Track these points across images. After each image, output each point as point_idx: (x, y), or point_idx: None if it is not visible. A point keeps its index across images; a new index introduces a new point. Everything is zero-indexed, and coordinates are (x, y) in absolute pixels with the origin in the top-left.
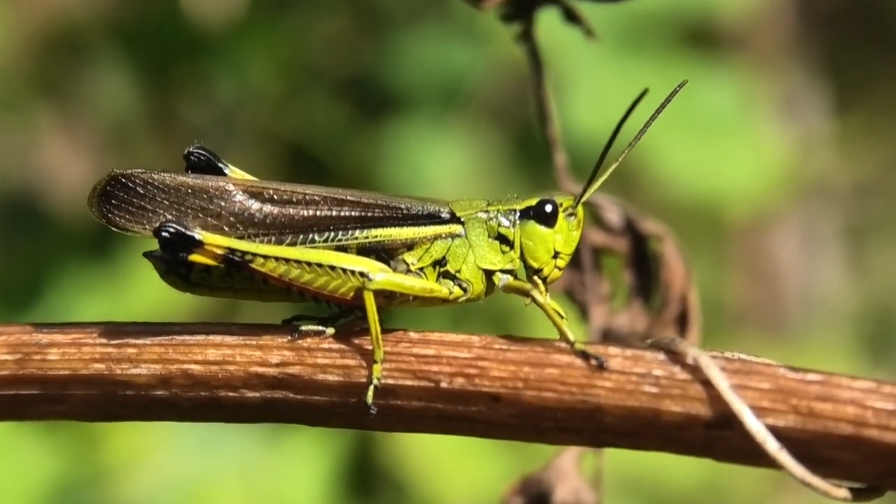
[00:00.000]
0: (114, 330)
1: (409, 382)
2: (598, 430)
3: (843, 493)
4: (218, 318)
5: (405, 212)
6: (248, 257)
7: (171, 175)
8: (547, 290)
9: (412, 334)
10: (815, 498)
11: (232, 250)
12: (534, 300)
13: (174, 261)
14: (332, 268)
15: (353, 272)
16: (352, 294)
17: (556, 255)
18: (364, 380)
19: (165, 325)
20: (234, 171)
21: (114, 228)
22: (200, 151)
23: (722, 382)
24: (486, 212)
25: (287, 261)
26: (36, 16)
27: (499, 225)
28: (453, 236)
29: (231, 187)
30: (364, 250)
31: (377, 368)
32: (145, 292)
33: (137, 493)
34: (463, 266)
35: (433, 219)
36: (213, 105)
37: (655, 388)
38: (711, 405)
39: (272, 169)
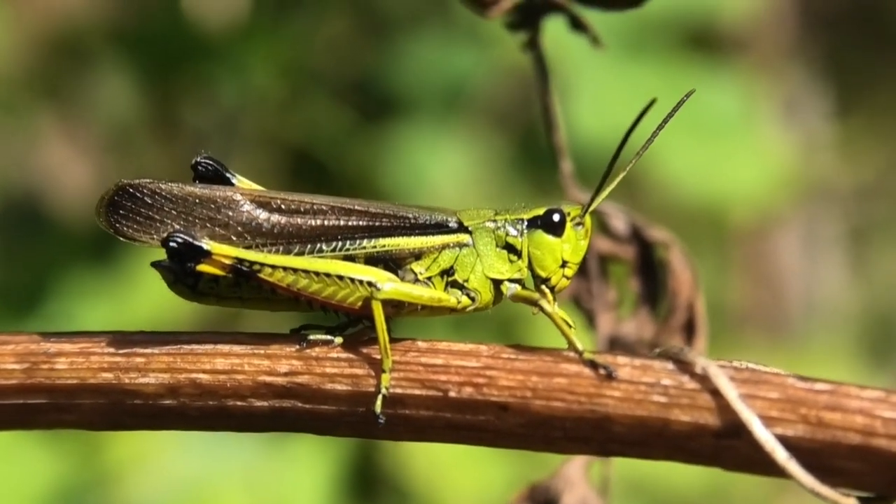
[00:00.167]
0: (122, 339)
1: (417, 392)
2: (607, 439)
3: (851, 502)
4: (222, 325)
5: (413, 221)
6: (257, 267)
7: (178, 185)
8: (555, 300)
9: (420, 343)
10: (818, 502)
11: (240, 260)
12: (542, 309)
13: (182, 271)
14: (341, 277)
15: (361, 282)
16: (360, 304)
17: (563, 265)
18: (372, 389)
19: (173, 334)
20: (241, 181)
21: (122, 238)
22: (208, 161)
23: (731, 392)
24: (494, 221)
25: (295, 270)
26: (39, 19)
27: (506, 234)
28: (461, 245)
29: (239, 197)
30: (372, 260)
31: (385, 378)
32: (148, 297)
33: (140, 497)
34: (471, 275)
35: (441, 228)
36: (215, 109)
37: (664, 397)
38: (720, 414)
39: (275, 173)
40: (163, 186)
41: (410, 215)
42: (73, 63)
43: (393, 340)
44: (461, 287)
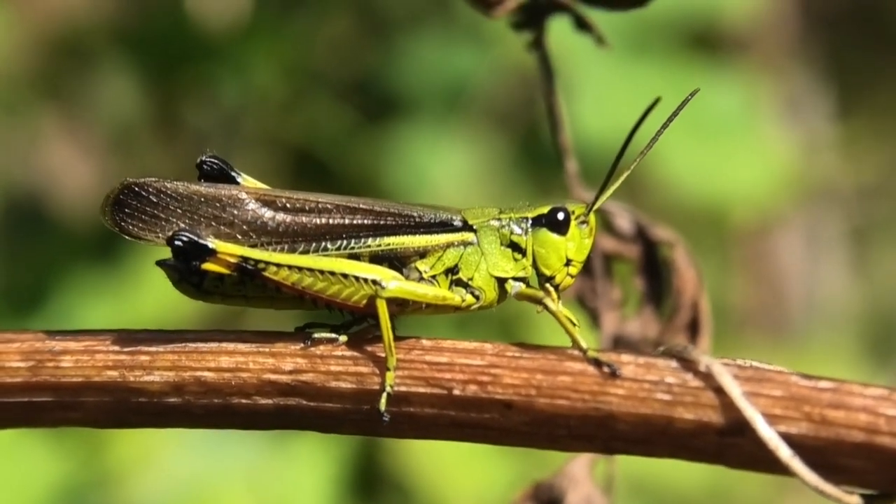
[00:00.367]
0: (127, 337)
1: (421, 390)
2: (611, 437)
3: (855, 500)
4: (226, 323)
5: (417, 220)
6: (261, 265)
7: (183, 184)
8: (559, 298)
9: (425, 342)
10: (820, 502)
11: (245, 259)
12: (546, 308)
13: (187, 269)
14: (345, 276)
15: (365, 280)
16: (364, 302)
17: (568, 263)
18: (377, 387)
19: (178, 332)
20: (246, 180)
21: (127, 237)
22: (213, 160)
23: (734, 390)
24: (499, 219)
25: (300, 269)
26: (41, 19)
27: (511, 233)
28: (466, 244)
29: (244, 196)
30: (377, 258)
31: (390, 376)
32: (151, 297)
33: (143, 496)
34: (475, 274)
35: (445, 227)
36: (217, 109)
37: (668, 395)
38: (724, 412)
39: (276, 173)
40: (168, 185)
41: (415, 214)
42: (75, 63)
43: (397, 339)
44: (466, 285)
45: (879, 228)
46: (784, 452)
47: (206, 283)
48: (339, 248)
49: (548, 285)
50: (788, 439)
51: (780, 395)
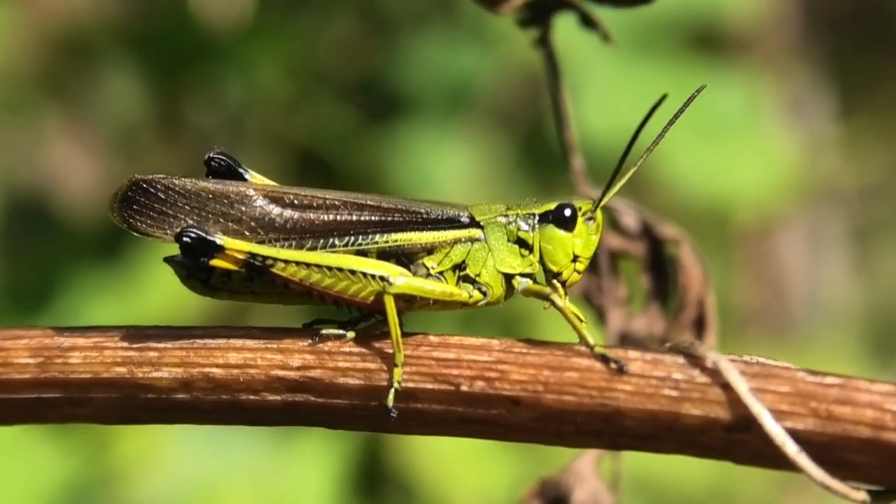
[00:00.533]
0: (135, 333)
1: (429, 386)
2: (618, 433)
3: (861, 495)
4: (232, 319)
5: (425, 216)
6: (269, 262)
7: (191, 180)
8: (566, 294)
9: (432, 338)
10: (824, 500)
11: (253, 255)
12: (553, 304)
13: (195, 266)
14: (353, 272)
15: (373, 276)
16: (372, 298)
17: (574, 259)
18: (384, 383)
19: (187, 328)
20: (254, 177)
21: (135, 233)
22: (221, 157)
23: (741, 386)
24: (506, 216)
25: (308, 265)
26: (45, 19)
27: (518, 229)
28: (473, 240)
29: (251, 192)
30: (384, 254)
31: (397, 372)
32: (156, 293)
33: (148, 493)
34: (483, 270)
35: (453, 223)
36: (221, 108)
37: (675, 391)
38: (731, 408)
39: (280, 172)
40: (176, 182)
41: (422, 210)
42: (79, 62)
43: (405, 335)
44: (473, 281)
45: (882, 228)
46: (791, 448)
47: (214, 280)
48: (346, 245)
49: (555, 281)
50: (795, 435)
51: (786, 391)
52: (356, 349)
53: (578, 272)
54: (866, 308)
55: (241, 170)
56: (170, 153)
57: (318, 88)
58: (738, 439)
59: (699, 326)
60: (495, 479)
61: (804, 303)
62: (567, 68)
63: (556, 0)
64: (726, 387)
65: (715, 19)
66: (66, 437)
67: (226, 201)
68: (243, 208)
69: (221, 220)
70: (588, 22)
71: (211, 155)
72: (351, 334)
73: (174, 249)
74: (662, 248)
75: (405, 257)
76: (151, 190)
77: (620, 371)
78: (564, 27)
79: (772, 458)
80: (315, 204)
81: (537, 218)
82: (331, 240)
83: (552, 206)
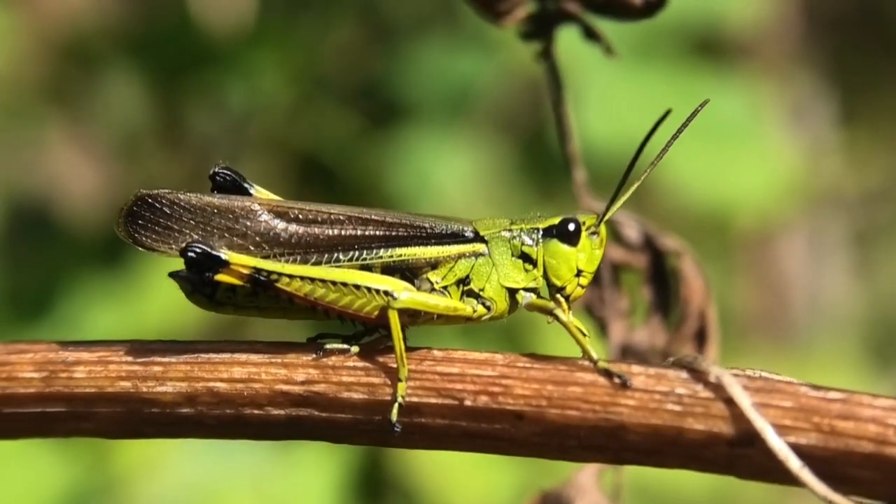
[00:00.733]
0: (139, 348)
1: (433, 400)
2: (622, 448)
3: None
4: (235, 331)
5: (429, 231)
6: (274, 277)
7: (196, 195)
8: (570, 308)
9: (436, 352)
10: None
11: (258, 270)
12: (557, 318)
13: (200, 281)
14: (357, 287)
15: (377, 291)
16: (376, 313)
17: (578, 274)
18: (388, 398)
19: (191, 343)
20: (259, 191)
21: (140, 248)
22: (226, 171)
23: (744, 400)
24: (510, 230)
25: (312, 280)
26: (47, 25)
27: (522, 244)
28: (477, 255)
29: (256, 207)
30: (388, 269)
31: (401, 386)
32: (158, 302)
33: (150, 500)
34: (487, 284)
35: (457, 238)
36: (223, 115)
37: (678, 406)
38: (734, 423)
39: (282, 178)
40: (181, 197)
41: (427, 225)
42: (81, 69)
43: (409, 349)
44: (477, 296)
45: (883, 233)
46: (794, 463)
47: (219, 295)
48: (351, 259)
49: (558, 296)
50: (798, 450)
51: (789, 405)
52: (360, 364)
53: (582, 286)
54: (867, 313)
55: (245, 184)
56: (172, 159)
57: (320, 94)
58: (742, 454)
59: (701, 339)
60: (497, 487)
61: (805, 308)
62: (570, 75)
63: (558, 13)
64: (729, 402)
65: (716, 26)
66: (69, 444)
67: (231, 216)
68: (248, 223)
69: (226, 234)
70: (591, 35)
71: (216, 170)
72: (355, 349)
73: (179, 264)
74: (664, 260)
75: (409, 272)
76: (157, 205)
77: (624, 386)
78: (567, 33)
79: (775, 473)
80: (319, 219)
81: (541, 232)
82: (335, 254)
83: (556, 220)
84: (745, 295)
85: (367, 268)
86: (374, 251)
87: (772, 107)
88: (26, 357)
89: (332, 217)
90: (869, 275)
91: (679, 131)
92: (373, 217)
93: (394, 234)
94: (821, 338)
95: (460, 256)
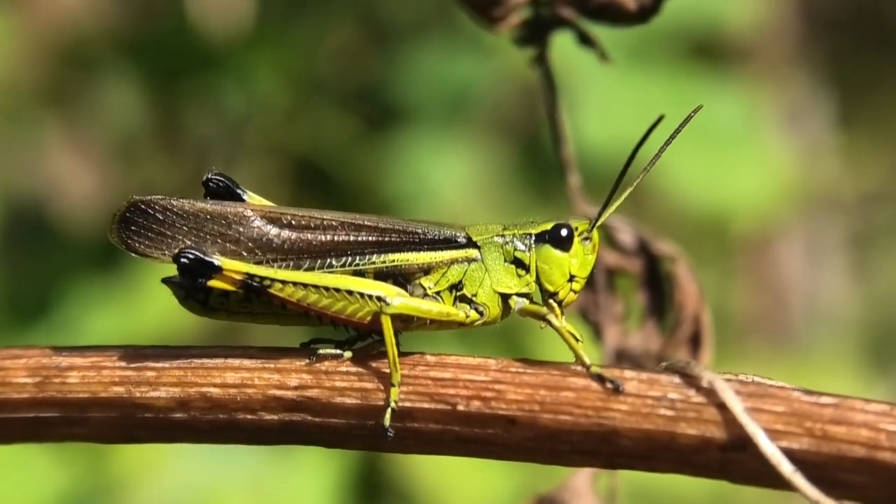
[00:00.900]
0: (133, 353)
1: (426, 405)
2: (614, 452)
3: None
4: (230, 337)
5: (422, 236)
6: (267, 282)
7: (189, 201)
8: (563, 313)
9: (429, 357)
10: None
11: (250, 276)
12: (549, 324)
13: (193, 286)
14: (350, 292)
15: (370, 297)
16: (369, 318)
17: (571, 279)
18: (381, 403)
19: (184, 348)
20: (252, 198)
21: (133, 254)
22: (219, 177)
23: (737, 405)
24: (502, 236)
25: (305, 286)
26: (45, 28)
27: (515, 249)
28: (470, 260)
29: (249, 213)
30: (381, 275)
31: (394, 391)
32: (155, 306)
33: (147, 503)
34: (479, 290)
35: (450, 243)
36: (220, 118)
37: (671, 411)
38: (726, 428)
39: (279, 182)
40: (174, 203)
41: (419, 230)
42: (78, 72)
43: (402, 354)
44: (470, 301)
45: (881, 235)
46: (786, 468)
47: (212, 300)
48: (343, 265)
49: (551, 301)
50: (790, 455)
51: (781, 410)
52: (353, 369)
53: (575, 292)
54: (865, 315)
55: (239, 190)
56: (169, 163)
57: (318, 97)
58: (734, 459)
59: (695, 343)
60: (494, 490)
61: (803, 310)
62: (566, 79)
63: (553, 18)
64: (722, 406)
65: (713, 29)
66: (66, 448)
67: (223, 222)
68: (241, 229)
69: (219, 240)
70: (585, 40)
71: (209, 176)
72: (348, 354)
73: (173, 270)
74: (659, 264)
75: (402, 277)
76: (150, 211)
77: (616, 391)
78: (564, 39)
79: (767, 477)
80: (312, 224)
81: (534, 238)
82: (328, 260)
83: (549, 226)
84: (743, 298)
85: (359, 273)
86: (367, 257)
87: (769, 109)
88: (20, 362)
89: (325, 223)
90: (867, 277)
91: (672, 137)
92: (365, 223)
93: (386, 239)
94: (819, 340)
95: (453, 262)
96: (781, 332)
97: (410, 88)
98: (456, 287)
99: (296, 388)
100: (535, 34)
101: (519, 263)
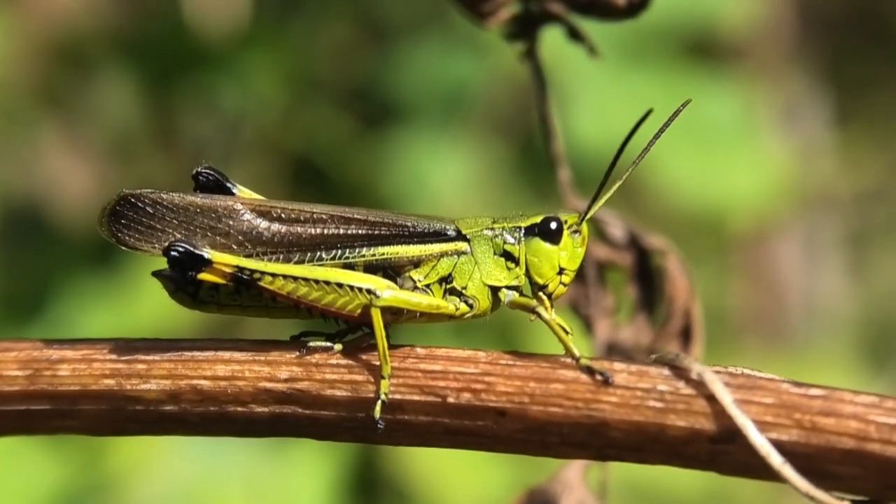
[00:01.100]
0: (123, 346)
1: (416, 397)
2: (604, 444)
3: None
4: (223, 332)
5: (412, 229)
6: (257, 275)
7: (179, 195)
8: (552, 306)
9: (419, 350)
10: None
11: (240, 269)
12: (539, 316)
13: (183, 279)
14: (340, 285)
15: (360, 289)
16: (359, 311)
17: (560, 272)
18: (372, 395)
19: (175, 341)
20: (242, 191)
21: (123, 247)
22: (209, 171)
23: (726, 397)
24: (492, 229)
25: (295, 279)
26: (40, 28)
27: (504, 242)
28: (459, 253)
29: (239, 206)
30: (371, 268)
31: (384, 384)
32: (150, 303)
33: (143, 500)
34: (469, 283)
35: (439, 236)
36: (216, 116)
37: (660, 403)
38: (716, 420)
39: (276, 180)
40: (164, 196)
41: (409, 224)
42: (74, 71)
43: (392, 347)
44: (459, 294)
45: (877, 233)
46: (775, 459)
47: (202, 293)
48: (333, 258)
49: (541, 294)
50: (780, 446)
51: (771, 402)
52: (343, 361)
53: (564, 285)
54: (862, 313)
55: (228, 184)
56: (165, 161)
57: (314, 96)
58: (723, 450)
59: (686, 337)
60: (489, 484)
61: (800, 308)
62: (559, 77)
63: (542, 14)
64: (711, 398)
65: (709, 27)
66: (61, 444)
67: (213, 215)
68: (231, 222)
69: (209, 234)
70: (575, 35)
71: (199, 169)
72: (338, 347)
73: (163, 263)
74: (649, 258)
75: (392, 270)
76: (140, 204)
77: (606, 383)
78: (556, 35)
79: (756, 468)
80: (302, 218)
81: (523, 231)
82: (318, 253)
83: (538, 219)
84: (740, 295)
85: (349, 266)
86: (357, 250)
87: (766, 107)
88: (10, 355)
89: (315, 216)
90: (863, 275)
91: (661, 130)
92: (355, 216)
93: (376, 232)
94: (815, 337)
95: (443, 255)
96: (778, 329)
97: (406, 87)
98: (446, 280)
99: (286, 380)
100: (525, 29)
101: (508, 256)
